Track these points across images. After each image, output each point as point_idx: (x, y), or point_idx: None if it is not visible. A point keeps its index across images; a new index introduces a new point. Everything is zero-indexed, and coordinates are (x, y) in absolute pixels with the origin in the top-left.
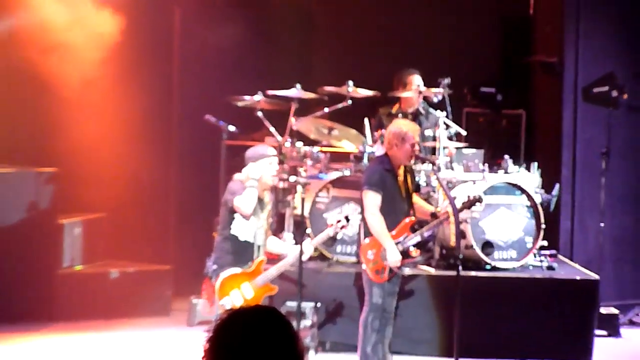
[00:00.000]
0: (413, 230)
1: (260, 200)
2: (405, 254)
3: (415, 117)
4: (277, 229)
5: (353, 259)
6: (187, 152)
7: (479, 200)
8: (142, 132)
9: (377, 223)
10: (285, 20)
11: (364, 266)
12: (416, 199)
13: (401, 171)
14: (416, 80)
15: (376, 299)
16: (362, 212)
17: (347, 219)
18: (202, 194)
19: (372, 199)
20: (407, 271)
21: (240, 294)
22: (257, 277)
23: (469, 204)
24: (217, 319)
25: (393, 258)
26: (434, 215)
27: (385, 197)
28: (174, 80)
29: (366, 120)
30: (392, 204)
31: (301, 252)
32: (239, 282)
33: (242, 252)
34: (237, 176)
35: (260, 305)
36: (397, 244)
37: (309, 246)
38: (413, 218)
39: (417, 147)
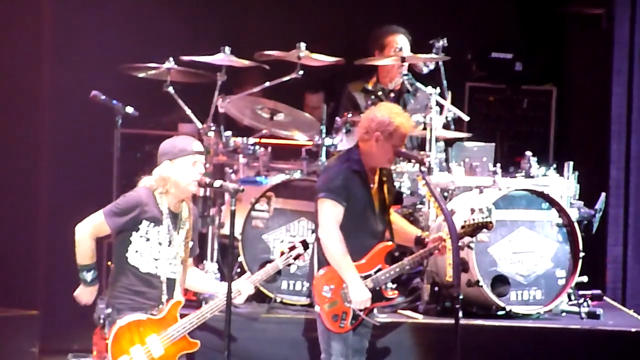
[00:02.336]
0: (390, 260)
1: (175, 216)
2: (378, 293)
3: (399, 96)
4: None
5: (305, 299)
6: (64, 146)
7: (488, 225)
8: None
9: (334, 245)
10: None
11: (317, 308)
12: (395, 217)
13: (375, 175)
14: (399, 41)
15: (336, 358)
16: (315, 231)
17: (304, 244)
18: (86, 205)
19: (330, 212)
20: (381, 319)
21: (145, 352)
22: (169, 327)
23: (473, 229)
24: None
25: (358, 297)
26: (419, 242)
27: (351, 210)
28: (44, 43)
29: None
30: (360, 221)
31: (230, 295)
32: (143, 334)
33: (146, 289)
34: (143, 181)
35: None
36: (365, 278)
37: (246, 285)
38: (390, 243)
39: (403, 150)
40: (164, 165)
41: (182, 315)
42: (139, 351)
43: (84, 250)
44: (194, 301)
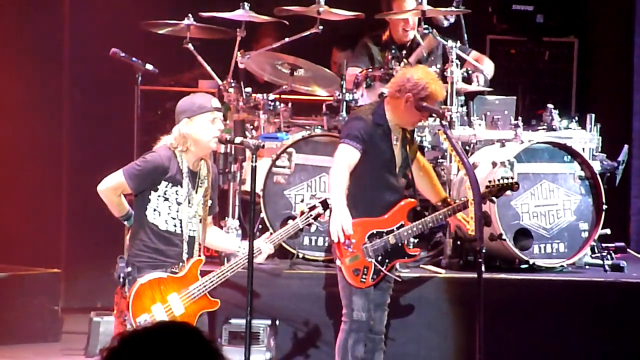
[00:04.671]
0: (413, 217)
1: (194, 175)
2: (400, 249)
3: (411, 52)
4: (218, 213)
5: (326, 254)
6: (84, 103)
7: (513, 186)
8: (14, 75)
9: (336, 175)
10: None
11: (338, 263)
12: (426, 171)
13: (399, 131)
14: (408, 3)
15: (358, 312)
16: None
17: (324, 204)
18: (107, 162)
19: (344, 153)
20: (404, 273)
21: (165, 310)
22: (189, 285)
23: (498, 189)
24: (108, 344)
25: (337, 222)
26: (445, 202)
27: (372, 163)
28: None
29: (347, 56)
30: (380, 174)
31: (252, 252)
32: (164, 292)
33: (165, 247)
34: (163, 140)
35: (169, 324)
36: (387, 234)
37: (266, 245)
38: (413, 200)
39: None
40: (182, 123)
41: (203, 274)
42: (160, 309)
43: (117, 204)
44: (216, 257)
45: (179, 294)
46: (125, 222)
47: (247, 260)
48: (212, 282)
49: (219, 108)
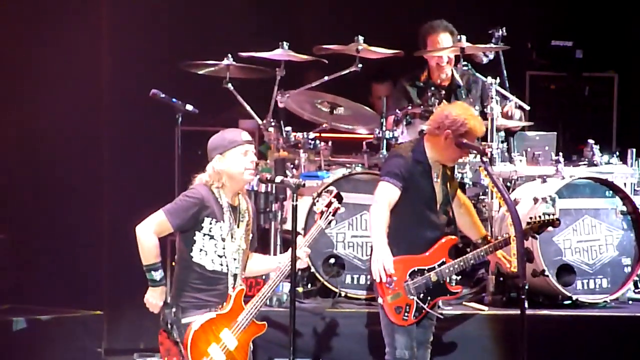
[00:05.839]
0: (455, 254)
1: (234, 209)
2: (442, 287)
3: (450, 92)
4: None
5: (368, 293)
6: (124, 144)
7: (554, 222)
8: (56, 117)
9: (377, 213)
10: None
11: (380, 301)
12: (467, 209)
13: (439, 169)
14: (442, 40)
15: (401, 350)
16: None
17: (338, 197)
18: (149, 203)
19: (384, 190)
20: (446, 311)
21: (221, 349)
22: (237, 317)
23: (540, 225)
24: None
25: (377, 262)
26: (485, 241)
27: (413, 200)
28: (103, 44)
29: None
30: (421, 212)
31: (294, 288)
32: (216, 331)
33: (212, 287)
34: (198, 178)
35: None
36: (429, 271)
37: (301, 250)
38: (454, 237)
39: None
40: (215, 159)
41: (246, 301)
42: (216, 349)
43: (149, 249)
44: (259, 284)
45: (230, 329)
46: (151, 273)
47: (286, 269)
48: (256, 307)
49: (249, 140)
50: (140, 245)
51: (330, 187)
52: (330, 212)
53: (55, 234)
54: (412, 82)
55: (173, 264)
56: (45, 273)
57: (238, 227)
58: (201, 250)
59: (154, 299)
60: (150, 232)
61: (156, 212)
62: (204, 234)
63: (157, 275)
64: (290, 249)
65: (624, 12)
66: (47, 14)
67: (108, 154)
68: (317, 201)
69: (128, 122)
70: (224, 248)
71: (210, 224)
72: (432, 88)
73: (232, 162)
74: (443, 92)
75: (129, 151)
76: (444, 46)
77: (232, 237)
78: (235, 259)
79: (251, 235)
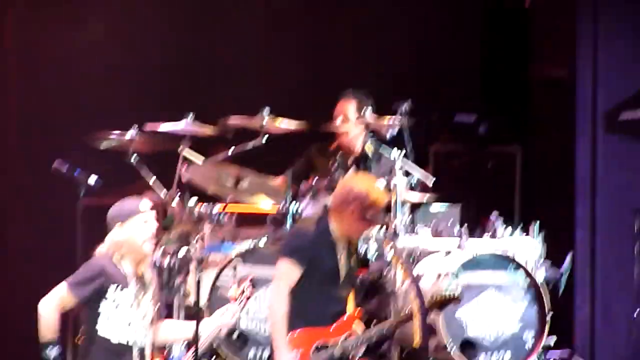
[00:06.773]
0: (360, 327)
1: (139, 278)
2: None
3: (359, 162)
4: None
5: None
6: (26, 218)
7: (456, 300)
8: None
9: (276, 305)
10: None
11: None
12: None
13: (343, 243)
14: (348, 109)
15: None
16: None
17: (252, 282)
18: (49, 281)
19: (284, 273)
20: None
21: None
22: None
23: (441, 302)
24: None
25: None
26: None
27: (316, 275)
28: (10, 109)
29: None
30: (325, 286)
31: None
32: None
33: None
34: (99, 249)
35: None
36: (330, 347)
37: (208, 325)
38: (359, 310)
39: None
40: (115, 229)
41: None
42: None
43: (50, 324)
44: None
45: None
46: (46, 352)
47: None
48: None
49: (150, 208)
50: (41, 320)
51: (246, 274)
52: (243, 298)
53: None
54: (321, 152)
55: (76, 340)
56: None
57: (144, 295)
58: (108, 319)
59: None
60: (53, 306)
61: (59, 285)
62: (110, 302)
63: (54, 351)
64: (204, 319)
65: (527, 87)
66: None
67: (13, 232)
68: (231, 287)
69: (28, 195)
70: (130, 316)
71: (115, 290)
72: (340, 159)
73: (132, 231)
74: (350, 161)
75: (29, 228)
76: (349, 115)
77: (138, 305)
78: (142, 328)
79: (158, 304)
